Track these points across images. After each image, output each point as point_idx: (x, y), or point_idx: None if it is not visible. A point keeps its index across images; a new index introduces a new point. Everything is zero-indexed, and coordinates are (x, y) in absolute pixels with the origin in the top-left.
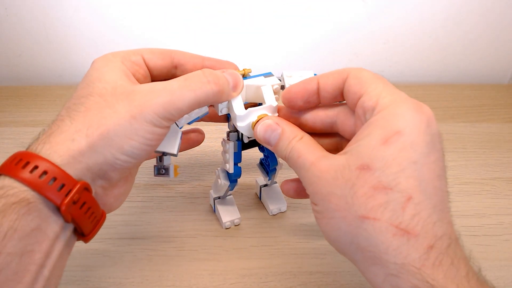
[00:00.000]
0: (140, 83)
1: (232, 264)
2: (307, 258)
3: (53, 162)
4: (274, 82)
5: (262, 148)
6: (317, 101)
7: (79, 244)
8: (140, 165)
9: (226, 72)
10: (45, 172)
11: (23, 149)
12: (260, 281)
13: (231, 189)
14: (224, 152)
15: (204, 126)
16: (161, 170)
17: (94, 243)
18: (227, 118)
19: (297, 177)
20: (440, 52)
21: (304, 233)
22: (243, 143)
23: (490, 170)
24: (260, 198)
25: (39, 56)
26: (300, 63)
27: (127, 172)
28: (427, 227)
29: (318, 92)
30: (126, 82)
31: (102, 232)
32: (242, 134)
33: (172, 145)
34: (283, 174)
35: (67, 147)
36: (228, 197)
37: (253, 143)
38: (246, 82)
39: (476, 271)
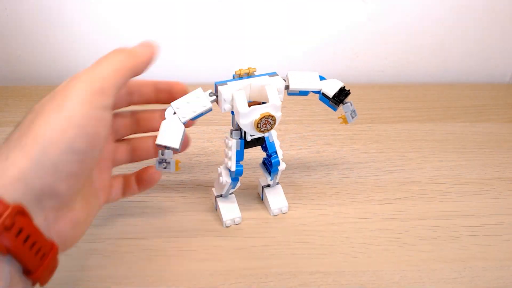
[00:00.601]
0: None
1: (232, 264)
2: (307, 258)
3: None
4: (278, 81)
5: (264, 148)
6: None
7: (79, 244)
8: (92, 169)
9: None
10: None
11: None
12: (260, 281)
13: (233, 188)
14: (227, 149)
15: (205, 127)
16: (162, 163)
17: (95, 243)
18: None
19: None
20: (440, 52)
21: (304, 233)
22: (246, 142)
23: (490, 170)
24: (262, 198)
25: (39, 56)
26: (300, 63)
27: (76, 183)
28: None
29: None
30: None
31: (102, 232)
32: (245, 132)
33: (174, 140)
34: (286, 175)
35: (2, 166)
36: (230, 196)
37: (256, 142)
38: (251, 80)
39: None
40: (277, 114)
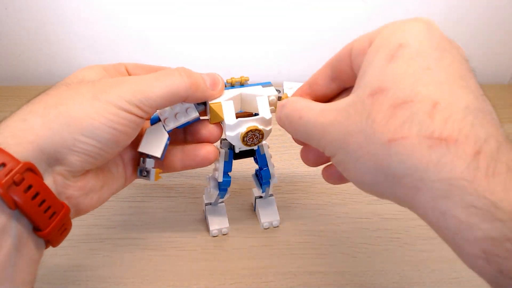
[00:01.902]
0: None
1: (232, 264)
2: (307, 258)
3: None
4: (271, 93)
5: (256, 160)
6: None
7: (79, 244)
8: (111, 157)
9: (205, 73)
10: None
11: None
12: (260, 281)
13: (222, 197)
14: (215, 163)
15: None
16: (143, 172)
17: (95, 243)
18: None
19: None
20: None
21: (304, 233)
22: (234, 153)
23: None
24: (254, 209)
25: (39, 56)
26: (300, 63)
27: (91, 161)
28: (464, 129)
29: (312, 90)
30: (97, 78)
31: (102, 232)
32: (234, 149)
33: (156, 148)
34: (286, 175)
35: (16, 127)
36: (219, 205)
37: (245, 154)
38: (243, 90)
39: None
40: (266, 128)
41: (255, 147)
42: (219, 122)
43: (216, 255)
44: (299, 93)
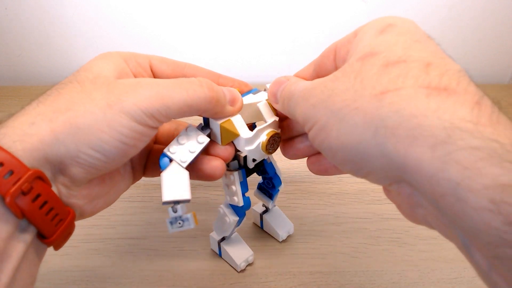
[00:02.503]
0: None
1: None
2: (307, 258)
3: (1, 145)
4: (264, 97)
5: (262, 171)
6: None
7: (79, 244)
8: (116, 168)
9: (224, 87)
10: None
11: None
12: (260, 281)
13: (238, 225)
14: (228, 185)
15: None
16: (178, 222)
17: (95, 243)
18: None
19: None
20: None
21: (304, 233)
22: (246, 170)
23: None
24: (262, 227)
25: (39, 56)
26: (300, 63)
27: (95, 172)
28: (463, 83)
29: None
30: (112, 75)
31: (102, 232)
32: (244, 160)
33: (183, 191)
34: (286, 175)
35: (23, 131)
36: (233, 236)
37: (255, 168)
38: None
39: None
40: (279, 131)
41: (265, 157)
42: (231, 141)
43: (216, 255)
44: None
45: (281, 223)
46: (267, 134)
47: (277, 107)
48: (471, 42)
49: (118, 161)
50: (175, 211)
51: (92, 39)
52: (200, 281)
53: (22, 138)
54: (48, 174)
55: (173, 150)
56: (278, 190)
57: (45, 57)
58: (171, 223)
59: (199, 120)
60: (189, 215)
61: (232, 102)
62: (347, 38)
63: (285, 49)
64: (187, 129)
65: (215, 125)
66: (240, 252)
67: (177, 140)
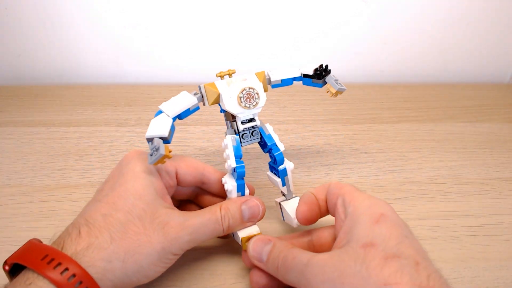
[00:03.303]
0: (168, 192)
1: (232, 264)
2: None
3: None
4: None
5: (263, 145)
6: (323, 213)
7: None
8: None
9: (247, 205)
10: (73, 275)
11: (21, 148)
12: None
13: (242, 192)
14: (224, 150)
15: (205, 127)
16: (153, 153)
17: None
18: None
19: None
20: (440, 52)
21: None
22: (241, 139)
23: (490, 170)
24: (283, 218)
25: (39, 56)
26: (300, 63)
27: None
28: (442, 285)
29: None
30: (162, 207)
31: None
32: (239, 132)
33: (161, 129)
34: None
35: (104, 266)
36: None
37: (251, 136)
38: (233, 78)
39: None
40: (259, 87)
41: (257, 123)
42: (217, 103)
43: (216, 255)
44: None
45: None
46: (242, 88)
47: (260, 265)
48: (471, 42)
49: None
50: (152, 143)
51: (93, 39)
52: (200, 281)
53: (102, 272)
54: None
55: (164, 106)
56: (285, 170)
57: (45, 57)
58: (151, 155)
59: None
60: (161, 145)
61: (251, 219)
62: (345, 201)
63: (285, 49)
64: (182, 93)
65: (201, 87)
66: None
67: (172, 99)
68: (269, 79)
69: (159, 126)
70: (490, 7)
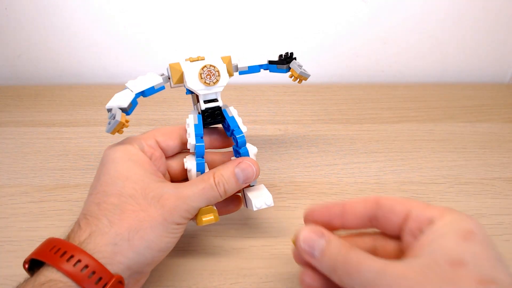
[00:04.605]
0: (158, 165)
1: (232, 264)
2: None
3: (97, 259)
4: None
5: (227, 127)
6: (339, 225)
7: None
8: None
9: (240, 167)
10: (86, 266)
11: (20, 150)
12: (260, 281)
13: (200, 170)
14: (187, 129)
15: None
16: (110, 121)
17: None
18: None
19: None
20: (440, 52)
21: None
22: (204, 118)
23: (490, 170)
24: (246, 205)
25: (39, 56)
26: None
27: (157, 263)
28: None
29: (343, 216)
30: (152, 181)
31: None
32: (202, 111)
33: (121, 101)
34: (287, 175)
35: (111, 249)
36: None
37: (214, 118)
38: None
39: None
40: (221, 66)
41: (220, 104)
42: (181, 83)
43: (216, 255)
44: (324, 213)
45: (257, 194)
46: (202, 65)
47: (312, 262)
48: (471, 42)
49: (157, 259)
50: (111, 112)
51: (93, 39)
52: (200, 281)
53: (108, 256)
54: (125, 276)
55: (130, 83)
56: (247, 150)
57: (45, 57)
58: (109, 124)
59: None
60: (118, 112)
61: (246, 182)
62: (420, 214)
63: (285, 49)
64: (148, 72)
65: (168, 67)
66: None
67: (139, 78)
68: (236, 66)
69: (120, 98)
70: (490, 7)
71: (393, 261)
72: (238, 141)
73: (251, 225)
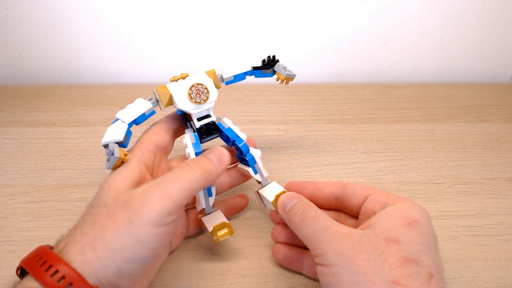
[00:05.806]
0: (160, 166)
1: (232, 264)
2: None
3: (75, 270)
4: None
5: (226, 139)
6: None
7: None
8: (158, 268)
9: (208, 152)
10: (63, 277)
11: (23, 150)
12: (260, 281)
13: (210, 195)
14: (185, 148)
15: None
16: (109, 157)
17: None
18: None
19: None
20: (440, 52)
21: None
22: (200, 134)
23: (490, 170)
24: (264, 205)
25: (39, 56)
26: (298, 63)
27: (140, 277)
28: None
29: (313, 193)
30: (127, 187)
31: None
32: (197, 129)
33: (116, 134)
34: (287, 175)
35: (79, 260)
36: (214, 212)
37: (210, 132)
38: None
39: None
40: (209, 83)
41: (213, 119)
42: (172, 105)
43: (216, 255)
44: (299, 186)
45: (272, 192)
46: (191, 85)
47: (282, 215)
48: (471, 42)
49: (157, 260)
50: (108, 148)
51: (93, 39)
52: (200, 281)
53: (81, 264)
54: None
55: (120, 113)
56: (252, 157)
57: (45, 57)
58: (108, 160)
59: None
60: (116, 148)
61: (220, 161)
62: (377, 198)
63: (284, 49)
64: (137, 99)
65: (155, 90)
66: (214, 221)
67: (127, 107)
68: (222, 77)
69: (114, 132)
70: (490, 7)
71: (342, 225)
72: (242, 149)
73: (251, 225)
